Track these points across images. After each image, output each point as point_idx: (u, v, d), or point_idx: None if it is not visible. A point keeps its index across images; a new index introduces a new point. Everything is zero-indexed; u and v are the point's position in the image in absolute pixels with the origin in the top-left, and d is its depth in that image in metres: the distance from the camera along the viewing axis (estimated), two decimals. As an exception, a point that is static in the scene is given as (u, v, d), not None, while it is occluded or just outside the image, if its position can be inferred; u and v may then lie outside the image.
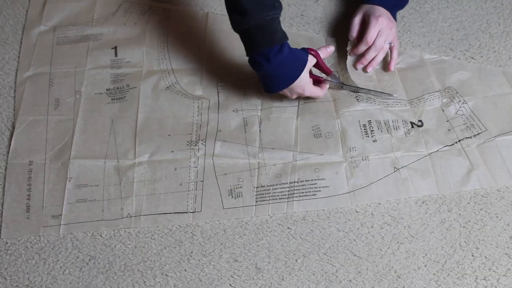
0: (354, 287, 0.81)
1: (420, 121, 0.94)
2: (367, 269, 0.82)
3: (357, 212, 0.87)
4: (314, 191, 0.87)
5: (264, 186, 0.88)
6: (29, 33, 1.06)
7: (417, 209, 0.87)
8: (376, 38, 0.97)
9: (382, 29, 0.96)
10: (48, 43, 1.04)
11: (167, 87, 0.99)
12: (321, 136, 0.93)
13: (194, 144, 0.92)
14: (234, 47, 1.03)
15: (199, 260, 0.83)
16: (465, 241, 0.84)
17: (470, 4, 1.09)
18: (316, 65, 0.94)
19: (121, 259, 0.84)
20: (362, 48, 0.98)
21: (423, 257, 0.83)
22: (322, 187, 0.88)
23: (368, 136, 0.92)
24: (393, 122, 0.94)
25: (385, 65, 1.01)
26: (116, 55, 1.02)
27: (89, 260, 0.84)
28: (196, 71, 1.01)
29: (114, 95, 0.98)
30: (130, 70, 1.01)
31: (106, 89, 0.99)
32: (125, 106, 0.96)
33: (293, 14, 1.10)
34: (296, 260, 0.83)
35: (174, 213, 0.86)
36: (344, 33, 1.05)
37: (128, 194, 0.88)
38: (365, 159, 0.90)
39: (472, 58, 1.02)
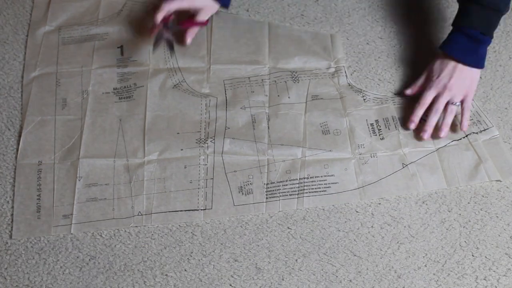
0: (354, 287, 0.81)
1: None
2: (367, 269, 0.83)
3: (357, 212, 0.87)
4: (324, 187, 0.88)
5: (274, 182, 0.89)
6: (34, 34, 1.05)
7: (417, 209, 0.87)
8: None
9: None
10: (53, 43, 1.04)
11: (174, 85, 0.99)
12: (329, 133, 0.93)
13: (203, 142, 0.92)
14: (240, 44, 1.04)
15: (199, 260, 0.84)
16: (465, 241, 0.85)
17: (470, 3, 1.10)
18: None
19: (121, 259, 0.84)
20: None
21: (423, 257, 0.83)
22: (332, 183, 0.88)
23: (376, 135, 0.93)
24: (400, 118, 0.95)
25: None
26: (122, 54, 1.02)
27: (89, 260, 0.84)
28: (203, 69, 1.01)
29: (122, 94, 0.98)
30: (136, 69, 1.01)
31: (113, 88, 0.99)
32: (133, 105, 0.96)
33: (293, 14, 1.10)
34: (296, 260, 0.84)
35: (185, 210, 0.87)
36: (345, 33, 1.06)
37: (138, 193, 0.88)
38: (373, 156, 0.91)
39: (472, 58, 1.03)
